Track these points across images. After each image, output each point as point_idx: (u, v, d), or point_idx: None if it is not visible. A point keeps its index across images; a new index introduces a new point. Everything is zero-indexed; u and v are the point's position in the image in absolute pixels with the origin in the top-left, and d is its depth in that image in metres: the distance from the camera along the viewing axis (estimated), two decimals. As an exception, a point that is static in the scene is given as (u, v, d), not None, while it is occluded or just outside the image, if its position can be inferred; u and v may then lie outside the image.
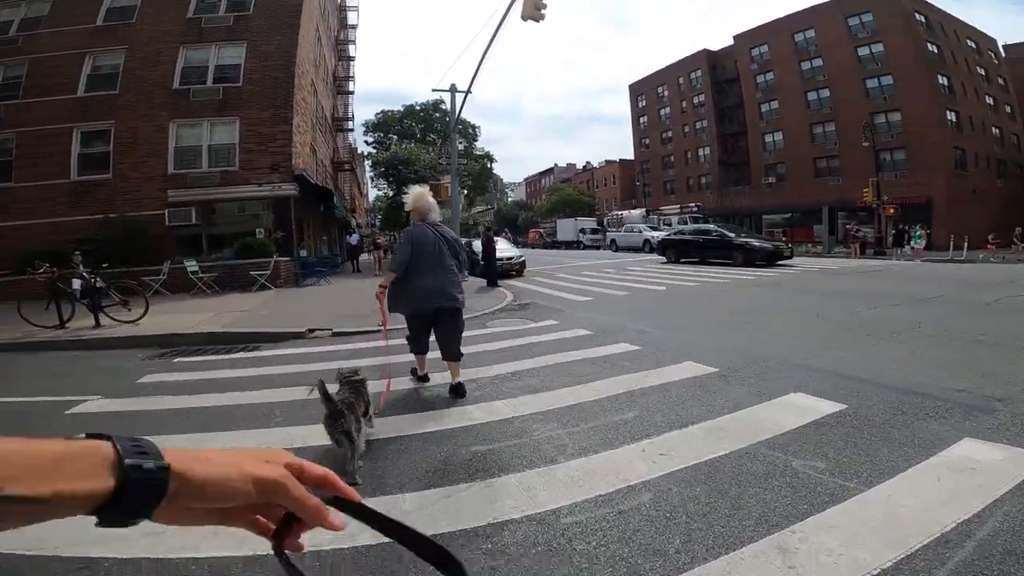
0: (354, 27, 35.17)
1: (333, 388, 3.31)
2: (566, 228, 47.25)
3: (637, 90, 59.54)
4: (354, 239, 21.62)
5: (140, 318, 9.81)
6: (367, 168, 36.86)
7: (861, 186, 33.33)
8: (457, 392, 4.51)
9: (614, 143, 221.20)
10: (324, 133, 26.86)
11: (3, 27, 18.01)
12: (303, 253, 18.41)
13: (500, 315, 9.88)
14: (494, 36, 12.84)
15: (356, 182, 58.69)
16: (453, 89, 17.00)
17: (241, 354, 7.50)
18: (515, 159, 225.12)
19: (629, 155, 66.37)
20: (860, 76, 37.39)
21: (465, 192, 45.31)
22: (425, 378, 5.01)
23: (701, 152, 51.37)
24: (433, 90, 17.51)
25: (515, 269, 17.96)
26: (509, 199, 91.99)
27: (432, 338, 4.85)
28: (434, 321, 4.64)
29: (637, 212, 40.15)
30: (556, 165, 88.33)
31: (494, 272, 14.52)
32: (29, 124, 17.32)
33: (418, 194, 4.71)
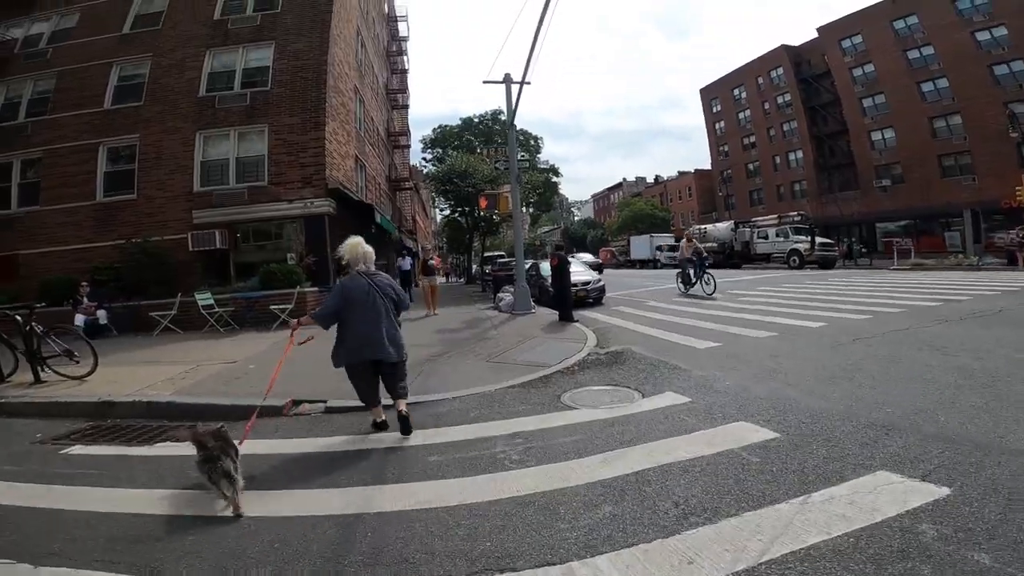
0: (405, 39, 33.44)
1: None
2: (640, 246, 43.30)
3: (710, 94, 55.10)
4: (407, 264, 18.92)
5: (89, 373, 7.23)
6: (433, 191, 34.98)
7: (1002, 184, 27.57)
8: (404, 425, 4.34)
9: (679, 157, 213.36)
10: (376, 147, 24.72)
11: (33, 40, 17.00)
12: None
13: (583, 375, 6.44)
14: (542, 18, 9.58)
15: (420, 203, 57.40)
16: (508, 80, 13.94)
17: (162, 447, 4.59)
18: (578, 178, 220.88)
19: (696, 169, 61.93)
20: (985, 62, 31.52)
21: (529, 209, 42.36)
22: (383, 426, 4.63)
23: (792, 156, 45.98)
24: (484, 82, 14.20)
25: (592, 297, 14.45)
26: (575, 218, 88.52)
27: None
28: (376, 371, 4.51)
29: (724, 225, 35.55)
30: (625, 179, 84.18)
31: (568, 303, 11.10)
32: (56, 141, 16.13)
33: (352, 244, 4.63)
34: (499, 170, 22.98)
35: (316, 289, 13.15)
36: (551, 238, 78.72)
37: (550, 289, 13.51)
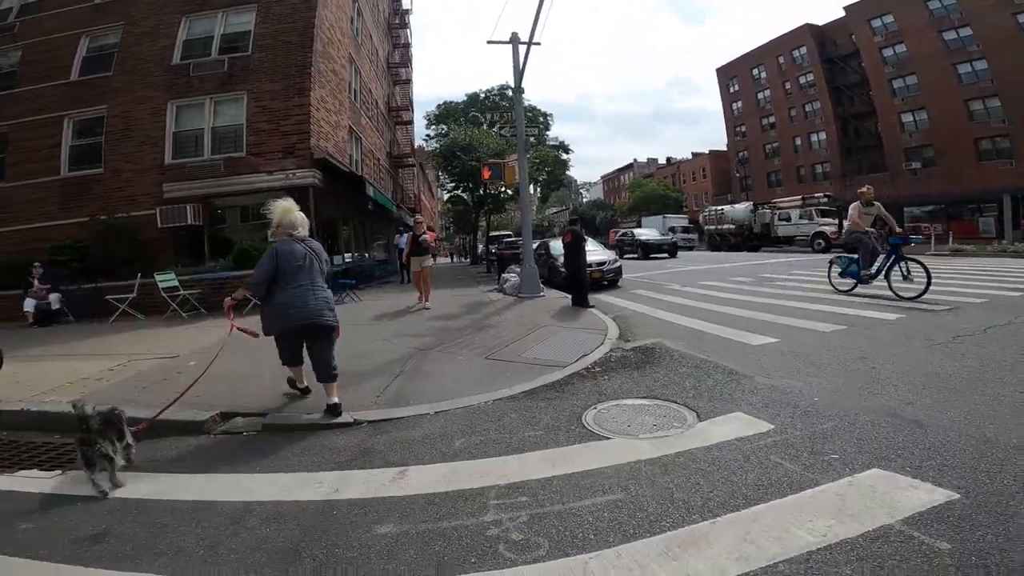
0: (408, 12, 31.56)
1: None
2: (654, 226, 41.41)
3: (727, 73, 52.68)
4: (404, 241, 17.27)
5: (-10, 372, 5.79)
6: (436, 167, 32.94)
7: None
8: (333, 412, 4.05)
9: (690, 140, 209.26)
10: (374, 120, 23.10)
11: (2, 14, 15.60)
12: (335, 259, 14.32)
13: (608, 381, 4.92)
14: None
15: (426, 183, 55.67)
16: (515, 39, 12.22)
17: (24, 477, 3.15)
18: (587, 161, 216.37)
19: (710, 150, 59.83)
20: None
21: (537, 188, 40.66)
22: (306, 391, 4.64)
23: (814, 137, 43.77)
24: (489, 42, 12.47)
25: (608, 279, 12.89)
26: (584, 199, 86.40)
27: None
28: (305, 339, 4.32)
29: (742, 206, 33.59)
30: (636, 160, 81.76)
31: (583, 286, 9.56)
32: (22, 115, 14.79)
33: (283, 208, 4.35)
34: (505, 141, 21.27)
35: None
36: (560, 218, 76.97)
37: (562, 270, 11.97)
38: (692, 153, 65.77)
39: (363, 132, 20.14)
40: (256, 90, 13.70)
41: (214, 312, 10.47)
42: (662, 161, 77.78)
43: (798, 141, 45.08)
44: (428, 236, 10.72)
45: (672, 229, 39.19)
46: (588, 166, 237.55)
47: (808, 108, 44.07)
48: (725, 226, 33.29)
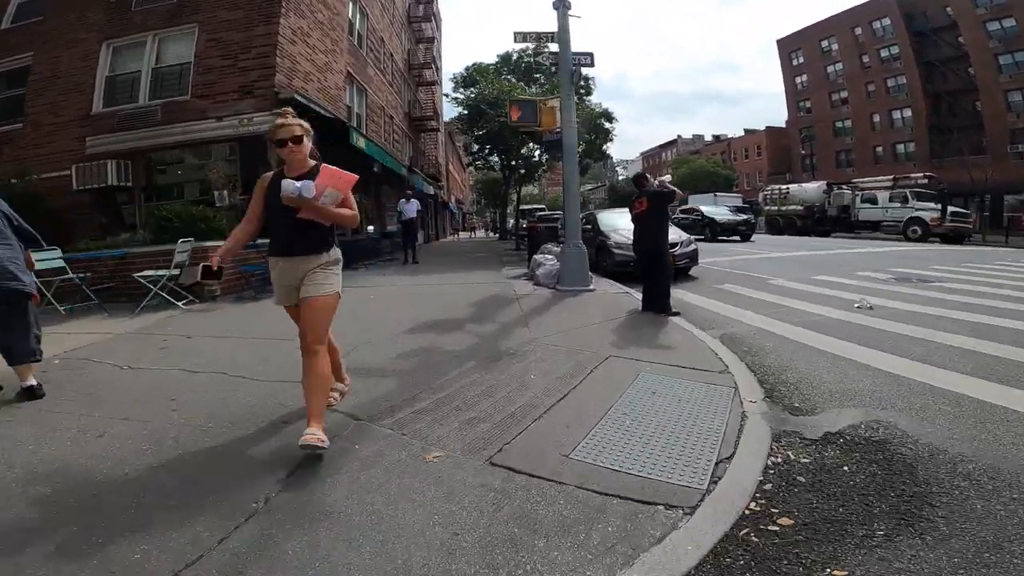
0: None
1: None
2: (702, 205, 37.07)
3: (789, 46, 48.08)
4: (411, 209, 13.46)
5: None
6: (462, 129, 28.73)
7: None
8: (32, 395, 3.41)
9: (731, 120, 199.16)
10: (387, 74, 19.60)
11: None
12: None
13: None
14: None
15: (456, 155, 51.93)
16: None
17: None
18: (624, 139, 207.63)
19: (767, 126, 54.69)
20: None
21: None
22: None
23: (897, 115, 38.73)
24: None
25: (679, 266, 9.24)
26: (621, 177, 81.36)
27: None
28: None
29: (813, 186, 29.11)
30: (680, 137, 76.31)
31: (664, 282, 5.98)
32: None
33: None
34: (543, 89, 17.62)
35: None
36: (595, 195, 72.42)
37: (617, 251, 8.49)
38: (744, 130, 60.52)
39: (369, 84, 16.62)
40: (211, 21, 10.40)
41: (116, 303, 7.15)
42: (708, 138, 72.53)
43: (876, 118, 40.31)
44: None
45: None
46: (625, 144, 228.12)
47: (891, 83, 39.36)
48: (791, 207, 29.00)
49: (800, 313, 6.02)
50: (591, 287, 7.65)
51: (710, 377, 3.65)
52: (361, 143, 11.22)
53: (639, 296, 6.44)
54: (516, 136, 21.50)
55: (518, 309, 6.33)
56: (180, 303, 6.90)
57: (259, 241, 7.48)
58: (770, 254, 13.83)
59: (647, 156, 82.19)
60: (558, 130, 10.06)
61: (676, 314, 5.77)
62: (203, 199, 9.64)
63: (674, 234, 10.01)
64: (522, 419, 2.93)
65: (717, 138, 67.40)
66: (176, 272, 6.99)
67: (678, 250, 9.37)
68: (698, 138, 75.69)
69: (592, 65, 9.62)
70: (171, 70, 10.46)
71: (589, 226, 10.99)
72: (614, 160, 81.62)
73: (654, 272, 6.06)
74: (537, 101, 9.62)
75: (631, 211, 6.44)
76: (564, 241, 8.43)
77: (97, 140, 10.23)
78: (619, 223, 10.56)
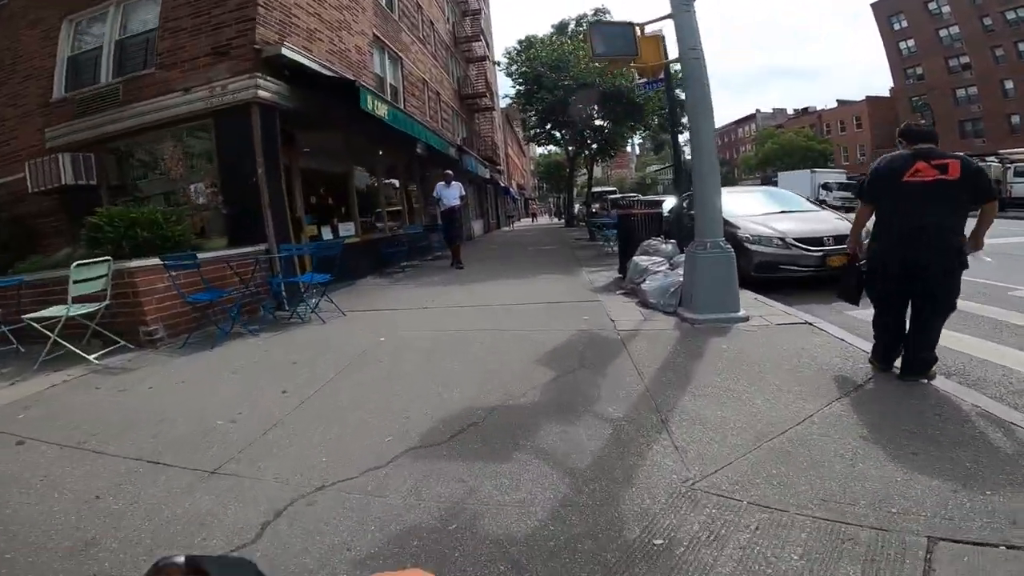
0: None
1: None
2: (796, 184, 32.47)
3: (887, 9, 42.81)
4: (452, 196, 9.92)
5: None
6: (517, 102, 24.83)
7: None
8: None
9: (801, 95, 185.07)
10: (429, 44, 16.81)
11: None
12: (314, 237, 8.31)
13: None
14: None
15: (514, 136, 48.90)
16: None
17: None
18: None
19: (867, 96, 49.01)
20: None
21: (645, 137, 32.89)
22: None
23: (1035, 80, 33.05)
24: None
25: (811, 270, 6.03)
26: (687, 157, 75.42)
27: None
28: None
29: (945, 158, 24.21)
30: (758, 111, 69.82)
31: (939, 318, 3.20)
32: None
33: None
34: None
35: (214, 254, 5.63)
36: (662, 176, 67.12)
37: (765, 253, 5.47)
38: (837, 100, 54.17)
39: (405, 53, 13.83)
40: (182, -24, 7.76)
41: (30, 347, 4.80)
42: (789, 112, 65.90)
43: (1008, 84, 34.59)
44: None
45: (826, 186, 30.77)
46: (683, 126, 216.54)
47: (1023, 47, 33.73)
48: (916, 184, 24.19)
49: None
50: (740, 313, 4.60)
51: None
52: (382, 111, 8.44)
53: (835, 332, 3.71)
54: (584, 104, 18.34)
55: (630, 374, 3.38)
56: (94, 355, 4.43)
57: (211, 254, 4.75)
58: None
59: (721, 133, 76.03)
60: (660, 79, 7.08)
61: (927, 375, 2.85)
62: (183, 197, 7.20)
63: (829, 220, 6.80)
64: None
65: (804, 110, 60.97)
66: (92, 308, 4.53)
67: (814, 248, 6.12)
68: (780, 112, 69.03)
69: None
70: (135, 41, 8.01)
71: (683, 214, 7.88)
72: (680, 140, 75.38)
73: (924, 302, 2.95)
74: (632, 25, 6.50)
75: (894, 178, 3.22)
76: (695, 241, 5.36)
77: (56, 131, 8.01)
78: (750, 206, 7.37)
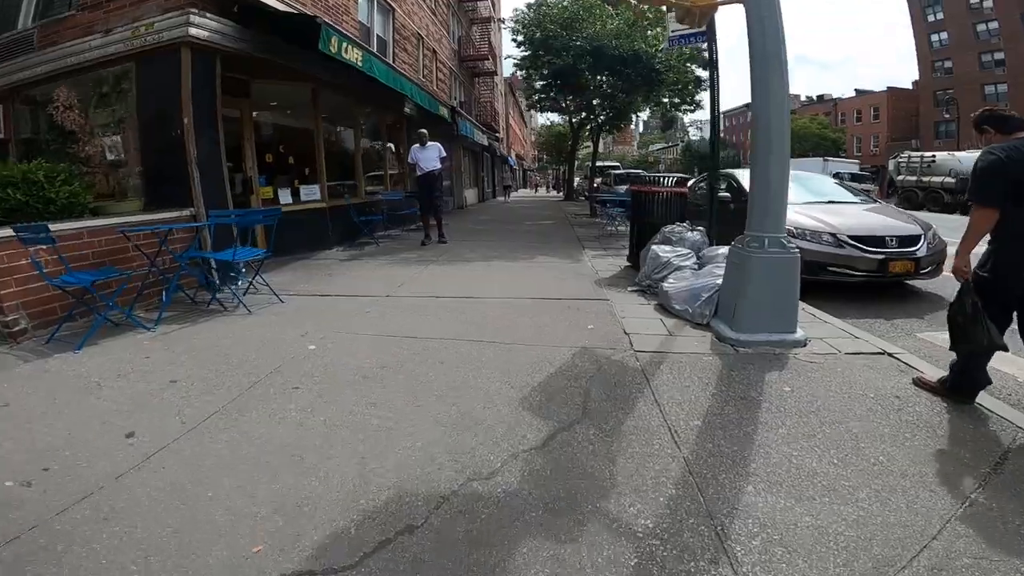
0: None
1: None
2: (809, 173, 31.11)
3: (926, 0, 41.15)
4: (429, 158, 8.34)
5: None
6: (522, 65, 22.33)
7: None
8: None
9: (820, 84, 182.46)
10: None
11: None
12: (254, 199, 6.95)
13: None
14: None
15: (516, 107, 46.87)
16: None
17: None
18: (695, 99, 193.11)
19: (888, 87, 48.01)
20: None
21: (658, 109, 30.92)
22: None
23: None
24: None
25: (923, 276, 4.91)
26: (694, 137, 73.25)
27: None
28: None
29: (968, 155, 22.97)
30: (771, 95, 67.64)
31: None
32: None
33: None
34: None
35: (121, 220, 4.36)
36: (665, 155, 65.25)
37: (817, 251, 4.36)
38: (855, 90, 52.45)
39: (398, 2, 12.21)
40: None
41: None
42: (803, 98, 63.97)
43: None
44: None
45: (838, 175, 29.36)
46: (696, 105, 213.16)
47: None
48: (936, 179, 23.34)
49: None
50: (799, 334, 3.45)
51: None
52: (353, 55, 6.95)
53: (926, 368, 2.66)
54: (594, 69, 16.76)
55: (660, 436, 2.23)
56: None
57: (87, 223, 3.42)
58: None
59: (729, 116, 74.02)
60: (701, 31, 5.89)
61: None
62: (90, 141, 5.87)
63: (905, 222, 5.57)
64: None
65: (820, 98, 59.18)
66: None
67: (923, 250, 4.96)
68: (793, 97, 67.04)
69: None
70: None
71: (703, 191, 6.71)
72: (685, 121, 73.35)
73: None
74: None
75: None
76: (744, 235, 4.19)
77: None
78: (790, 193, 6.15)
